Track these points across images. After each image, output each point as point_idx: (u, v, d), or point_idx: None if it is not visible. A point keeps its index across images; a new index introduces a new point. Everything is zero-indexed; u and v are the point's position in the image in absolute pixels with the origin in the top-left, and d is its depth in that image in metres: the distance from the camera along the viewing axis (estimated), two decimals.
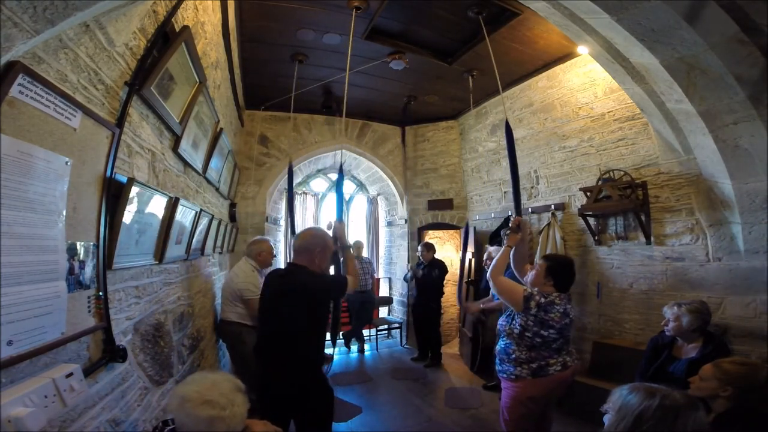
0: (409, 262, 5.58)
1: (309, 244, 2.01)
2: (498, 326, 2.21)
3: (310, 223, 5.83)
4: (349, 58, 3.01)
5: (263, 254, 3.12)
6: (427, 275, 4.74)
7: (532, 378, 2.00)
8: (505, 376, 2.10)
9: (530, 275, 2.20)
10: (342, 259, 2.40)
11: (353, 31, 2.93)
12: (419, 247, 4.91)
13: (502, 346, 2.13)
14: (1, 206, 0.83)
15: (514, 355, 2.05)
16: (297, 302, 1.86)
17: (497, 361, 2.17)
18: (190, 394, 1.17)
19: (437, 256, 4.92)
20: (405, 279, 5.29)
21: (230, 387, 1.24)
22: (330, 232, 2.32)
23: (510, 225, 2.32)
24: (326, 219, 6.30)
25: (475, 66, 3.96)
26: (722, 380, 1.46)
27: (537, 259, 3.28)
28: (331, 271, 2.38)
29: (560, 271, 2.11)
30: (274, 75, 4.14)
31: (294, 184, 5.73)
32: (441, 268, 4.77)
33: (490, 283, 2.22)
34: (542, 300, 2.00)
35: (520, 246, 2.31)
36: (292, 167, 3.79)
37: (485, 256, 3.61)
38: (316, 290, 1.91)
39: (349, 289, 2.15)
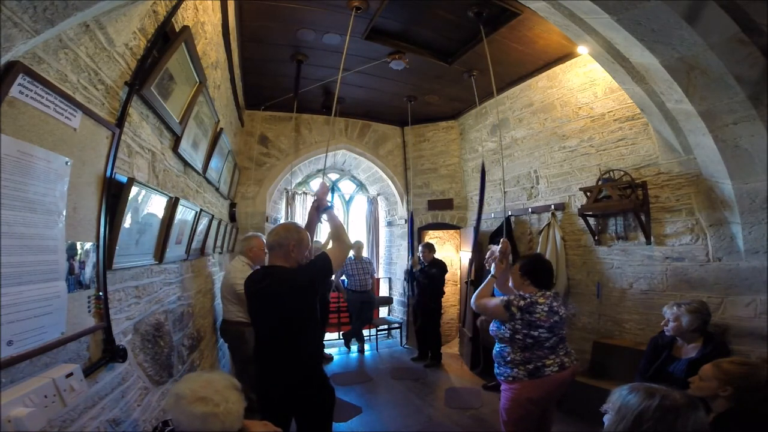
0: (411, 256, 5.49)
1: (282, 239, 1.92)
2: (490, 331, 2.22)
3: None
4: (344, 57, 2.97)
5: (254, 250, 3.11)
6: (427, 276, 4.74)
7: (529, 379, 2.00)
8: (503, 378, 2.12)
9: (512, 281, 2.27)
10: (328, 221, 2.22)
11: (351, 31, 2.92)
12: (420, 248, 4.91)
13: (498, 350, 2.16)
14: (1, 206, 0.83)
15: (509, 358, 2.07)
16: (279, 306, 1.83)
17: (495, 364, 2.18)
18: (184, 391, 1.19)
19: (437, 255, 4.90)
20: (405, 273, 5.23)
21: (224, 384, 1.25)
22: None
23: (499, 249, 2.35)
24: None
25: (475, 66, 3.96)
26: (722, 380, 1.45)
27: None
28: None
29: (532, 268, 2.17)
30: (274, 75, 4.14)
31: (294, 184, 5.78)
32: (441, 267, 4.76)
33: (473, 305, 2.26)
34: (522, 303, 2.03)
35: (504, 273, 2.35)
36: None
37: (488, 255, 3.60)
38: (295, 288, 1.83)
39: (340, 259, 1.98)
